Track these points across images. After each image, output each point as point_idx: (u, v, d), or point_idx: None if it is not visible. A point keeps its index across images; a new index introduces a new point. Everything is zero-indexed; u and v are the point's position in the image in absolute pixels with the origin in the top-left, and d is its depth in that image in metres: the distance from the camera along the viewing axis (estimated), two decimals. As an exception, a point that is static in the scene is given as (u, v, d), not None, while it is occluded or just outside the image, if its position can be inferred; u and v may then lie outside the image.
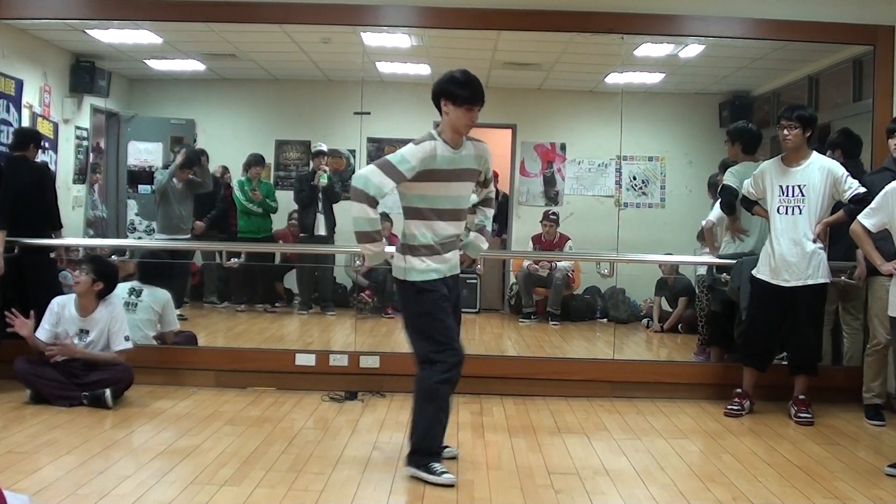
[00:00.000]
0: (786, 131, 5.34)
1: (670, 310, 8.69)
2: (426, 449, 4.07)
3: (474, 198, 4.49)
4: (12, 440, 4.43)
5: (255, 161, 9.01)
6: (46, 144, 7.40)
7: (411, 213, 4.09)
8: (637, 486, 4.05)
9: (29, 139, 6.39)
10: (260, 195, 8.86)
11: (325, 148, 9.01)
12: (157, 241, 8.15)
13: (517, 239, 10.00)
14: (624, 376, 6.05)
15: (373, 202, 3.91)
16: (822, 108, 7.59)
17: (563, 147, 10.16)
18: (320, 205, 8.84)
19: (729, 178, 5.87)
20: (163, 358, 6.03)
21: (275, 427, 4.92)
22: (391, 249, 4.24)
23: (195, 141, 9.63)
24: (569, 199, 10.07)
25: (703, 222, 6.51)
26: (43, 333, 5.37)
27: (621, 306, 9.33)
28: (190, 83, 9.80)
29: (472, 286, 9.72)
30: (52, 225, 6.42)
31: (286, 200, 9.09)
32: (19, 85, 7.11)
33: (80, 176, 8.66)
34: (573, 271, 9.42)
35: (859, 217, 4.80)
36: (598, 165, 10.06)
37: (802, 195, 5.31)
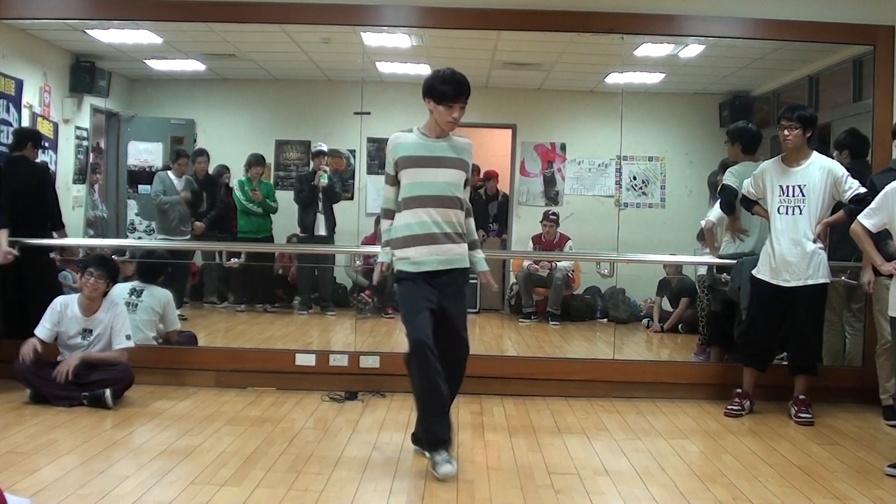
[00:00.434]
0: (786, 131, 5.34)
1: (671, 310, 8.69)
2: (422, 435, 4.26)
3: None
4: (12, 440, 4.43)
5: (256, 161, 9.01)
6: (46, 144, 7.41)
7: (400, 205, 4.25)
8: (637, 486, 4.05)
9: (27, 139, 6.39)
10: (260, 195, 8.86)
11: (325, 148, 9.01)
12: (158, 242, 8.16)
13: (517, 239, 10.00)
14: (624, 376, 6.05)
15: (388, 213, 4.29)
16: (823, 109, 7.59)
17: (563, 147, 10.16)
18: (320, 205, 8.85)
19: (729, 178, 5.87)
20: (163, 358, 6.03)
21: (275, 427, 4.92)
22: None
23: (195, 141, 9.64)
24: (569, 200, 10.08)
25: (703, 222, 6.51)
26: (43, 332, 5.37)
27: (621, 306, 9.33)
28: (190, 83, 9.80)
29: (472, 286, 9.69)
30: (54, 225, 6.43)
31: (286, 201, 9.09)
32: (19, 85, 7.11)
33: (80, 176, 8.67)
34: (573, 271, 9.42)
35: (859, 217, 4.80)
36: (599, 165, 10.06)
37: (803, 195, 5.31)
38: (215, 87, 9.99)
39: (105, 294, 5.47)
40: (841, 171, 5.30)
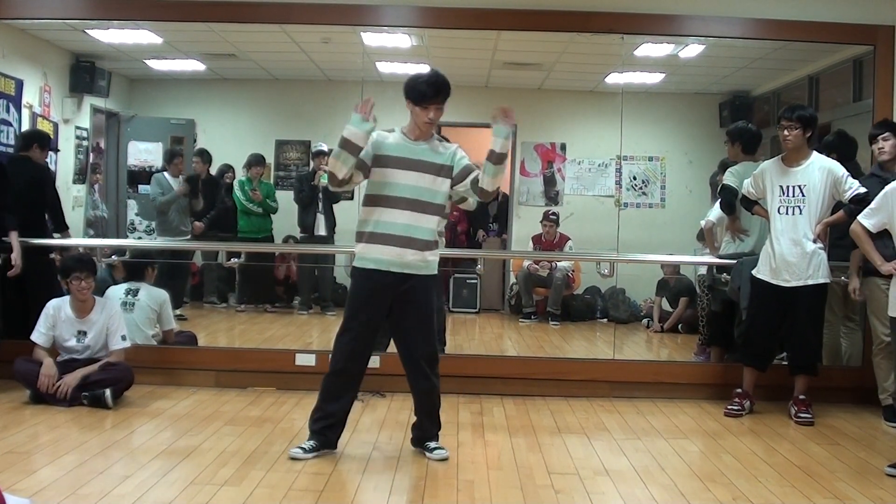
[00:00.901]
0: (786, 131, 5.34)
1: (670, 310, 8.69)
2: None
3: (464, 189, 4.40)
4: (12, 440, 4.43)
5: (256, 161, 9.00)
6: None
7: (366, 199, 4.30)
8: (637, 486, 4.05)
9: (33, 140, 6.40)
10: (260, 195, 8.86)
11: (325, 148, 8.99)
12: (158, 242, 8.15)
13: (517, 239, 10.00)
14: (624, 376, 6.05)
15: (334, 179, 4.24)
16: (823, 109, 7.59)
17: (563, 147, 10.16)
18: (320, 205, 8.84)
19: (729, 178, 5.87)
20: (163, 358, 6.03)
21: (275, 427, 4.92)
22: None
23: (195, 141, 9.63)
24: (569, 199, 10.07)
25: (703, 222, 6.51)
26: (40, 338, 5.36)
27: (621, 306, 9.33)
28: (190, 83, 9.80)
29: (472, 286, 9.74)
30: (57, 227, 6.41)
31: (286, 201, 9.09)
32: (19, 85, 7.11)
33: (80, 176, 8.67)
34: (573, 271, 9.42)
35: (859, 217, 4.82)
36: (599, 165, 10.06)
37: (802, 195, 5.31)
38: (215, 87, 9.99)
39: (90, 290, 5.44)
40: (841, 171, 5.30)
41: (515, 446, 4.68)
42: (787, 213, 5.35)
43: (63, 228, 6.47)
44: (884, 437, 5.14)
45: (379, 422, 5.11)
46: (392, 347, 5.33)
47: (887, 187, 4.69)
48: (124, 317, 5.63)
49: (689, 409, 5.66)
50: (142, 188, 9.37)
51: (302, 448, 4.27)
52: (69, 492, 3.64)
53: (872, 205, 4.76)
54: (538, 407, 5.61)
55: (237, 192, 8.91)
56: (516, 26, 6.35)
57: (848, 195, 5.22)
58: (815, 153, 5.42)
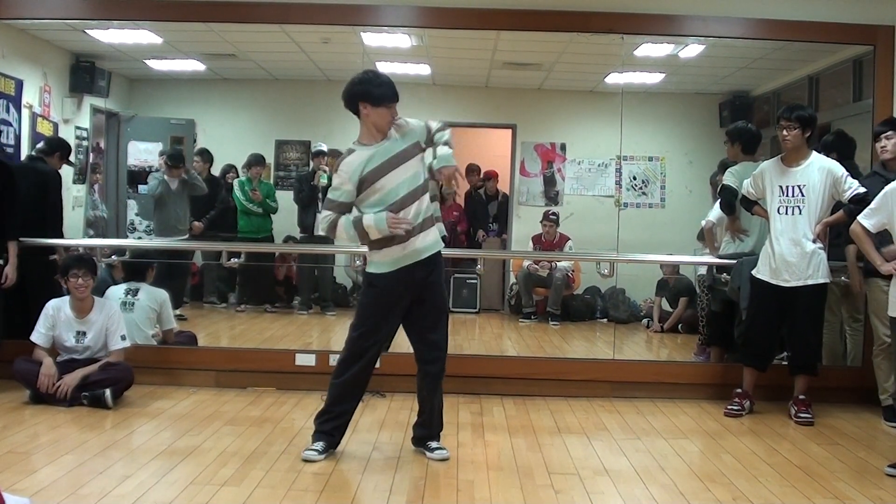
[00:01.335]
0: (785, 131, 5.34)
1: (670, 310, 8.69)
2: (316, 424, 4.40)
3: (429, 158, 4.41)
4: (12, 440, 4.44)
5: (256, 161, 9.00)
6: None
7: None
8: (637, 486, 4.05)
9: (57, 148, 6.56)
10: (260, 195, 8.85)
11: (325, 148, 9.00)
12: (158, 242, 8.14)
13: (517, 239, 10.00)
14: (624, 376, 6.05)
15: (333, 222, 4.31)
16: (822, 109, 7.59)
17: (563, 147, 10.15)
18: (320, 205, 8.82)
19: (728, 178, 5.87)
20: (163, 358, 6.03)
21: (275, 427, 4.92)
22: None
23: (195, 141, 9.63)
24: (569, 199, 10.07)
25: (703, 222, 6.51)
26: (39, 338, 5.36)
27: (621, 306, 9.33)
28: (190, 83, 9.79)
29: (472, 286, 9.73)
30: (54, 230, 6.39)
31: (286, 201, 9.09)
32: (19, 85, 7.11)
33: (80, 176, 8.66)
34: (573, 271, 9.42)
35: (859, 217, 4.81)
36: (598, 165, 10.06)
37: (802, 195, 5.31)
38: (215, 87, 9.99)
39: (89, 288, 5.44)
40: (840, 171, 5.30)
41: (515, 446, 4.68)
42: (786, 213, 5.35)
43: (58, 236, 6.44)
44: (884, 437, 5.15)
45: (379, 422, 5.11)
46: (392, 348, 5.34)
47: (887, 187, 4.68)
48: (124, 317, 5.63)
49: (689, 409, 5.66)
50: (142, 188, 9.36)
51: (315, 450, 4.27)
52: (69, 492, 3.64)
53: (872, 205, 4.75)
54: (538, 407, 5.61)
55: (237, 192, 8.91)
56: (516, 26, 6.35)
57: (847, 195, 5.22)
58: (814, 153, 5.42)
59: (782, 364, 5.77)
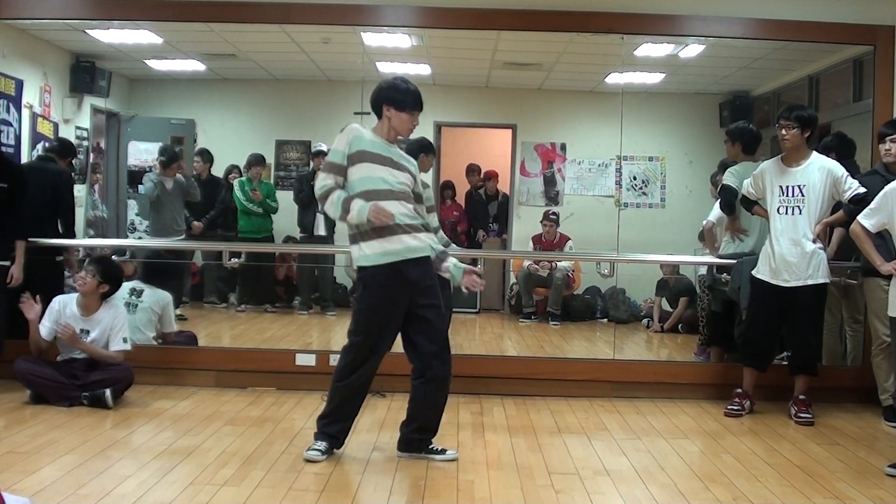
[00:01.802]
0: (784, 131, 5.34)
1: (670, 310, 8.69)
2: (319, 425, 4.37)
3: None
4: (13, 440, 4.43)
5: (256, 161, 9.01)
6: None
7: (361, 196, 4.17)
8: (637, 486, 4.05)
9: (67, 152, 6.68)
10: (260, 195, 8.86)
11: (325, 148, 8.96)
12: (159, 242, 8.15)
13: (517, 239, 10.01)
14: (624, 376, 6.05)
15: (330, 190, 4.19)
16: (823, 108, 7.59)
17: (563, 147, 10.16)
18: (320, 205, 8.82)
19: (729, 178, 5.88)
20: (163, 358, 6.03)
21: (275, 427, 4.93)
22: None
23: (195, 141, 9.63)
24: (569, 200, 10.08)
25: (704, 223, 6.51)
26: (44, 330, 5.38)
27: (621, 306, 9.34)
28: (190, 83, 9.80)
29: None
30: (68, 229, 6.43)
31: (286, 201, 9.09)
32: (19, 85, 7.11)
33: (81, 176, 8.66)
34: (573, 271, 9.43)
35: (859, 217, 4.81)
36: (599, 165, 10.06)
37: (802, 195, 5.31)
38: (215, 87, 9.99)
39: (103, 295, 5.45)
40: (840, 171, 5.30)
41: (515, 446, 4.68)
42: (786, 213, 5.35)
43: (71, 236, 6.50)
44: (884, 437, 5.14)
45: (379, 422, 5.11)
46: (392, 348, 5.34)
47: (887, 187, 4.68)
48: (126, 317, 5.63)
49: (689, 409, 5.66)
50: (142, 188, 9.37)
51: (318, 450, 4.26)
52: (69, 492, 3.64)
53: (872, 205, 4.75)
54: (538, 407, 5.61)
55: (237, 192, 8.91)
56: (516, 26, 6.35)
57: (847, 195, 5.22)
58: (814, 153, 5.42)
59: (782, 364, 5.77)
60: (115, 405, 5.18)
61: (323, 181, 4.21)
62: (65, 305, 5.44)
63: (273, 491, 3.78)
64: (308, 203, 8.87)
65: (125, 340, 5.43)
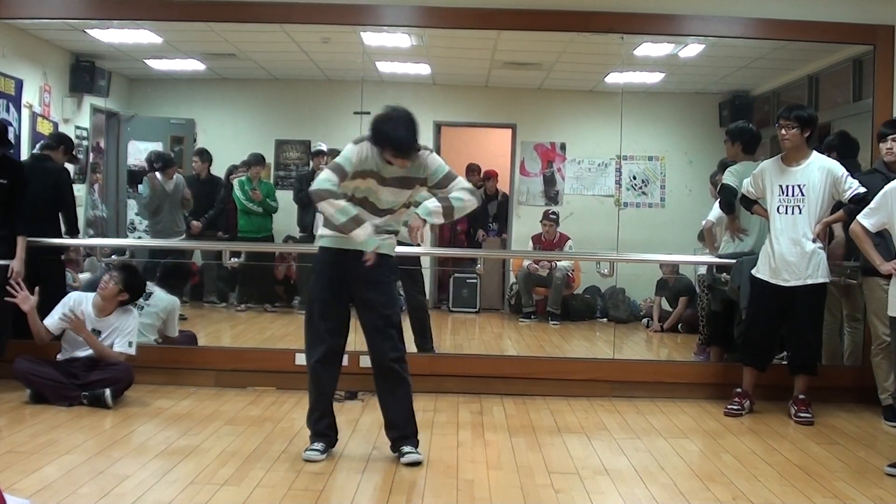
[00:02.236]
0: (784, 131, 5.34)
1: (670, 309, 8.69)
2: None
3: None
4: (12, 440, 4.44)
5: (256, 161, 9.01)
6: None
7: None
8: (637, 485, 4.06)
9: (62, 142, 6.53)
10: (260, 195, 8.86)
11: (324, 148, 8.99)
12: (158, 242, 8.15)
13: (517, 238, 10.00)
14: (624, 376, 6.05)
15: (334, 194, 4.13)
16: (822, 108, 7.59)
17: (563, 147, 10.16)
18: (313, 197, 8.81)
19: (728, 178, 5.88)
20: (163, 357, 6.02)
21: (275, 427, 4.93)
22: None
23: (195, 141, 9.63)
24: (569, 199, 10.07)
25: (703, 222, 6.51)
26: (52, 323, 5.39)
27: (621, 306, 9.33)
28: (190, 83, 9.80)
29: (472, 286, 9.73)
30: (69, 230, 6.42)
31: (286, 200, 9.09)
32: (19, 84, 7.11)
33: (81, 176, 8.66)
34: (573, 271, 9.43)
35: (858, 217, 4.81)
36: (598, 165, 10.06)
37: (802, 195, 5.31)
38: (215, 86, 9.99)
39: (122, 304, 5.47)
40: (840, 170, 5.30)
41: (515, 446, 4.68)
42: (786, 213, 5.35)
43: (75, 232, 6.49)
44: (884, 436, 5.15)
45: (379, 421, 5.08)
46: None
47: (886, 187, 4.69)
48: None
49: (688, 409, 5.66)
50: (141, 188, 9.37)
51: (316, 450, 4.28)
52: (69, 491, 3.64)
53: (872, 204, 4.75)
54: (538, 406, 5.61)
55: (237, 191, 8.91)
56: (516, 26, 6.35)
57: (847, 195, 5.22)
58: (814, 153, 5.42)
59: (782, 364, 5.77)
60: (114, 405, 5.18)
61: (326, 179, 4.14)
62: (79, 303, 5.45)
63: (273, 490, 3.78)
64: (308, 203, 8.85)
65: (130, 345, 5.43)
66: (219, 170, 9.20)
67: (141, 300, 6.09)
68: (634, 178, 9.98)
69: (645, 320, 9.10)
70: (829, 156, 5.58)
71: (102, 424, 4.85)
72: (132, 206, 9.44)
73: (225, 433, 4.73)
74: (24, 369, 5.23)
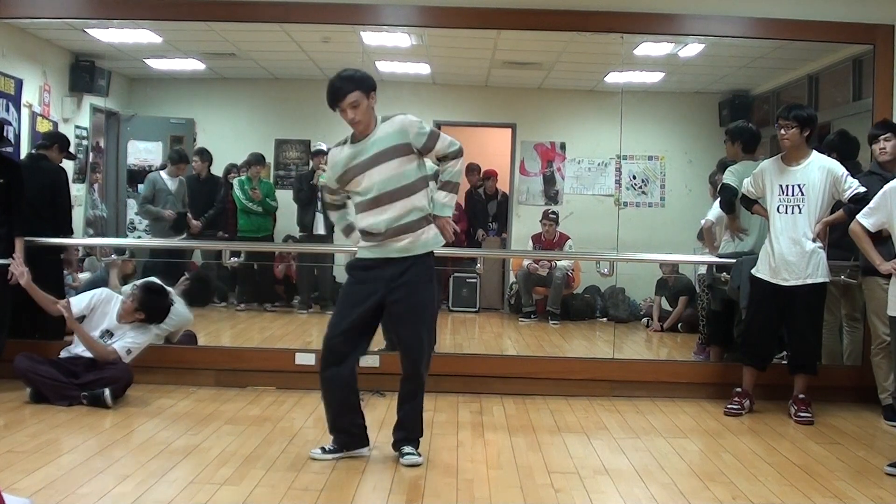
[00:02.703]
0: (783, 131, 5.35)
1: (670, 309, 8.69)
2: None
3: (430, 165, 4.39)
4: (12, 439, 4.43)
5: (255, 160, 9.01)
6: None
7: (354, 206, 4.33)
8: (637, 485, 4.06)
9: (55, 140, 6.50)
10: (260, 194, 8.86)
11: (324, 147, 8.97)
12: (158, 241, 8.15)
13: (517, 238, 10.01)
14: (624, 375, 6.05)
15: (331, 208, 4.46)
16: (822, 108, 7.59)
17: (562, 146, 10.16)
18: (319, 204, 8.85)
19: (728, 178, 5.88)
20: (163, 357, 6.02)
21: (275, 426, 4.93)
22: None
23: (195, 141, 9.63)
24: (568, 199, 10.07)
25: (703, 222, 6.51)
26: (77, 302, 5.44)
27: (621, 305, 9.33)
28: (189, 82, 9.80)
29: (472, 285, 9.74)
30: (62, 230, 6.39)
31: (286, 200, 9.09)
32: (19, 84, 7.12)
33: (80, 175, 8.66)
34: (573, 270, 9.43)
35: (858, 217, 4.82)
36: (598, 165, 10.06)
37: (802, 194, 5.31)
38: (215, 86, 9.99)
39: (140, 321, 5.49)
40: (840, 170, 5.30)
41: (515, 445, 4.68)
42: (786, 213, 5.35)
43: (68, 232, 6.46)
44: (883, 436, 5.15)
45: (379, 421, 5.10)
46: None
47: (886, 186, 4.69)
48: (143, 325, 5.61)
49: (688, 409, 5.66)
50: (141, 187, 9.37)
51: (321, 448, 4.30)
52: (69, 491, 3.64)
53: (871, 204, 4.76)
54: (538, 406, 5.61)
55: (237, 191, 8.92)
56: (516, 25, 6.35)
57: (847, 194, 5.22)
58: (814, 152, 5.42)
59: (782, 363, 5.77)
60: (114, 404, 5.17)
61: (332, 213, 4.51)
62: (107, 301, 5.51)
63: (272, 490, 3.78)
64: (308, 202, 8.87)
65: (128, 353, 5.41)
66: (218, 169, 9.21)
67: None
68: (634, 177, 9.98)
69: (645, 320, 9.10)
70: (829, 156, 5.58)
71: (102, 424, 4.85)
72: (132, 206, 9.44)
73: (225, 433, 4.73)
74: (24, 367, 5.22)
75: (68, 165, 8.22)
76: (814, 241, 5.30)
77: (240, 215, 8.91)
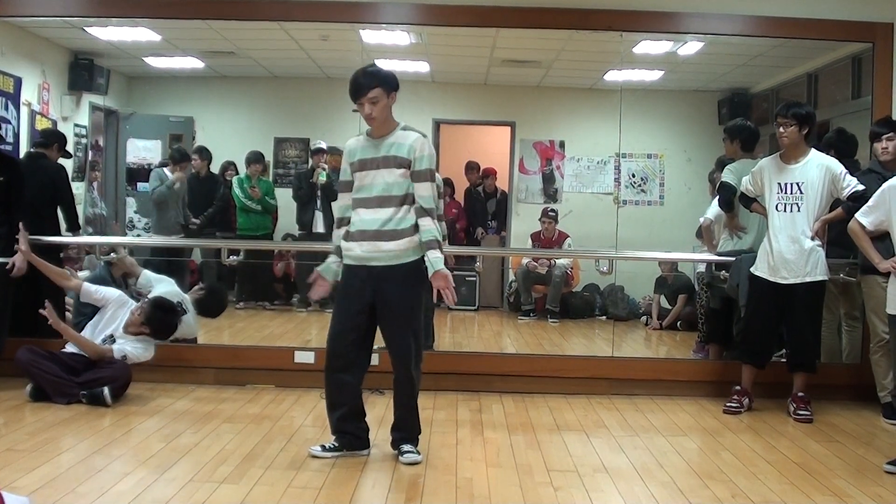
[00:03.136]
0: (782, 129, 5.34)
1: (669, 307, 8.70)
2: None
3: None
4: (12, 438, 4.44)
5: (255, 158, 9.01)
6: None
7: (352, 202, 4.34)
8: (636, 483, 4.06)
9: (54, 139, 6.50)
10: (259, 192, 8.86)
11: (324, 145, 9.01)
12: (157, 240, 8.14)
13: (516, 236, 10.01)
14: (623, 373, 6.05)
15: (342, 223, 4.35)
16: (821, 106, 7.59)
17: (562, 144, 10.16)
18: (319, 202, 8.85)
19: (727, 176, 5.88)
20: (162, 355, 5.99)
21: (274, 425, 4.93)
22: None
23: (194, 139, 9.63)
24: (568, 197, 10.08)
25: (701, 220, 6.51)
26: (90, 283, 5.53)
27: (620, 303, 9.34)
28: (189, 81, 9.81)
29: (471, 283, 9.74)
30: (70, 226, 6.42)
31: (285, 198, 9.09)
32: (18, 82, 7.11)
33: (79, 173, 8.66)
34: (572, 269, 9.43)
35: (857, 215, 4.81)
36: (597, 163, 10.06)
37: (801, 192, 5.31)
38: (214, 84, 9.99)
39: (146, 335, 5.48)
40: (839, 168, 5.30)
41: (514, 444, 4.68)
42: (785, 211, 5.35)
43: (76, 228, 6.48)
44: (882, 434, 5.15)
45: (378, 419, 5.09)
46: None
47: (885, 185, 4.69)
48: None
49: (687, 407, 5.66)
50: (140, 185, 9.37)
51: (321, 446, 4.30)
52: (68, 490, 3.64)
53: (870, 202, 4.76)
54: (537, 404, 5.62)
55: (236, 189, 8.92)
56: (515, 23, 6.34)
57: (846, 192, 5.22)
58: (813, 150, 5.42)
59: (781, 361, 5.77)
60: (113, 403, 5.17)
61: (340, 202, 4.40)
62: (121, 305, 5.52)
63: (272, 488, 3.78)
64: (307, 201, 8.87)
65: (124, 357, 5.40)
66: (218, 169, 9.21)
67: None
68: (633, 175, 9.98)
69: (644, 318, 9.10)
70: (827, 154, 5.58)
71: (101, 422, 4.85)
72: (131, 204, 9.44)
73: (224, 431, 4.73)
74: (26, 360, 5.22)
75: (67, 163, 8.26)
76: (812, 239, 5.30)
77: (239, 214, 8.91)
